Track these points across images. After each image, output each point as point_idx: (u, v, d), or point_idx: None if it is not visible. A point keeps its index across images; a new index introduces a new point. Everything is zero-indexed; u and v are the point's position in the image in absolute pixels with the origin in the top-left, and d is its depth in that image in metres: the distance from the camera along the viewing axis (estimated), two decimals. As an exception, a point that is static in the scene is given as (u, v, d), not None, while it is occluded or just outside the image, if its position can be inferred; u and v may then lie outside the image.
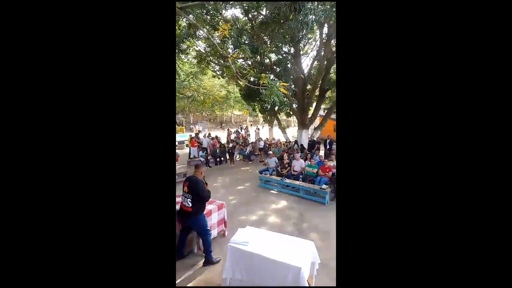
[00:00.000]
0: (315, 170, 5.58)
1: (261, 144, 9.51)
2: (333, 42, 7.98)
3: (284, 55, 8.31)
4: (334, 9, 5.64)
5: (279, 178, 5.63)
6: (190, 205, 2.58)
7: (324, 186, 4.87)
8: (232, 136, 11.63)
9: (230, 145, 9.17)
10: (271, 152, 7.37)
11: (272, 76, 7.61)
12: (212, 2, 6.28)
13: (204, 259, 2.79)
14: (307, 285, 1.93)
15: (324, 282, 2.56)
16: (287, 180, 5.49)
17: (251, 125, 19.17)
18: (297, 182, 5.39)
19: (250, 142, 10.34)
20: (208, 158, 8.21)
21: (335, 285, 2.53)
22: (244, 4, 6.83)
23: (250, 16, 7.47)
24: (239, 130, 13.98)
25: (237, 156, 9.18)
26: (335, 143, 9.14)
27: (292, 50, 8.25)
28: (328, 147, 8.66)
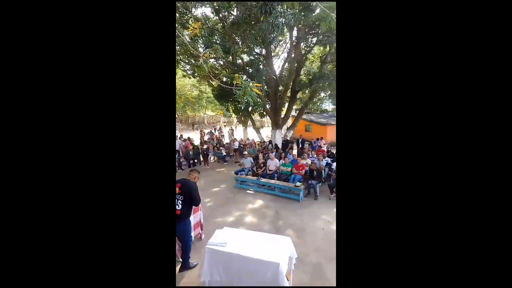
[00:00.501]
0: (289, 169, 5.74)
1: (236, 144, 9.48)
2: (302, 44, 8.30)
3: (256, 56, 8.41)
4: (302, 13, 5.87)
5: (255, 178, 5.67)
6: (180, 207, 2.52)
7: (298, 184, 5.04)
8: (206, 137, 11.38)
9: (204, 146, 8.97)
10: (246, 153, 7.39)
11: (244, 77, 7.64)
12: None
13: (180, 265, 2.69)
14: (286, 280, 1.99)
15: (301, 277, 2.65)
16: (263, 180, 5.56)
17: (224, 125, 18.98)
18: (272, 181, 5.49)
19: (224, 143, 10.23)
20: (181, 160, 7.93)
21: (310, 279, 2.64)
22: (215, 4, 6.74)
23: (221, 15, 7.41)
24: (213, 131, 13.76)
25: (212, 158, 9.02)
26: (307, 142, 9.52)
27: (264, 51, 8.39)
28: (300, 146, 8.98)
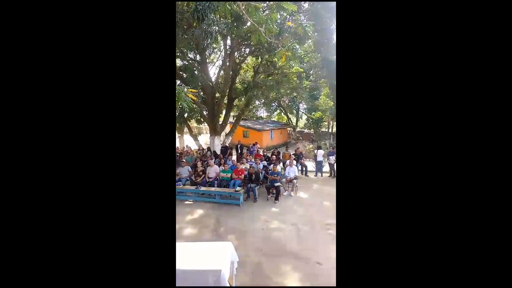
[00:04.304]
0: (229, 175, 5.78)
1: (171, 153, 8.83)
2: (236, 54, 8.62)
3: (190, 61, 8.18)
4: (235, 24, 6.14)
5: (193, 187, 5.43)
6: None
7: (238, 188, 5.14)
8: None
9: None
10: (184, 161, 6.99)
11: (178, 82, 7.30)
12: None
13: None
14: (228, 285, 1.99)
15: (243, 279, 2.70)
16: (203, 188, 5.39)
17: (158, 134, 17.35)
18: (212, 189, 5.40)
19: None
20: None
21: (252, 279, 2.73)
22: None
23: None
24: (144, 140, 12.35)
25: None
26: (245, 147, 9.83)
27: (198, 57, 8.25)
28: (239, 151, 9.19)
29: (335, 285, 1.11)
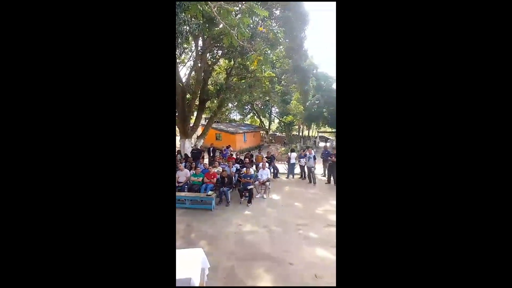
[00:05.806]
0: (200, 179, 5.61)
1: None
2: (208, 55, 8.49)
3: (159, 60, 7.81)
4: (207, 25, 6.04)
5: (162, 193, 5.14)
6: None
7: (210, 193, 5.01)
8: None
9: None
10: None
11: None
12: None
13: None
14: (198, 292, 1.91)
15: (216, 284, 2.62)
16: (172, 193, 5.13)
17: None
18: (182, 194, 5.17)
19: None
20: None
21: (224, 284, 2.66)
22: None
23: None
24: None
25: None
26: (218, 150, 9.67)
27: (168, 56, 7.93)
28: (211, 154, 9.00)
29: (331, 285, 1.12)
